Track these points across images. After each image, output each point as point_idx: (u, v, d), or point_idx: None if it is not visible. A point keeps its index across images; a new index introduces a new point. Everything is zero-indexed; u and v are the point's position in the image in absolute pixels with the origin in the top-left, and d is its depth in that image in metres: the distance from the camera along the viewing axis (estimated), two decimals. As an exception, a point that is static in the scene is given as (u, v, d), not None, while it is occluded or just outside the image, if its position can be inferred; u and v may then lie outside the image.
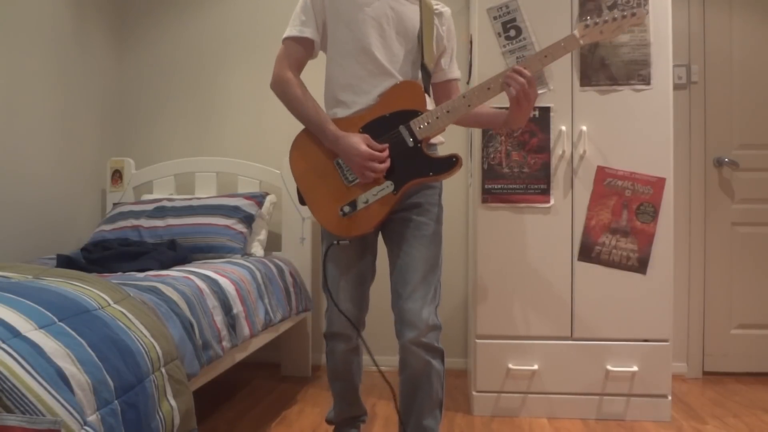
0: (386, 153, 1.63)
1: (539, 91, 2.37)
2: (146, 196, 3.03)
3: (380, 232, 1.80)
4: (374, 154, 1.61)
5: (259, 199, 2.87)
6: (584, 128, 2.38)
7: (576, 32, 1.60)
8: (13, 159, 2.57)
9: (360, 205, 1.65)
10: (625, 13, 1.58)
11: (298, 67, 1.73)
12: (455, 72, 1.86)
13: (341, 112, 1.71)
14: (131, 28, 3.34)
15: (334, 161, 1.68)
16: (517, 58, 2.39)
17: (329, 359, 1.85)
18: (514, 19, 2.39)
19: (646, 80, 2.36)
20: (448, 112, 1.64)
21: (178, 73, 3.30)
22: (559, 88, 2.38)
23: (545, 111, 2.39)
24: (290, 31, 1.72)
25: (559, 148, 2.39)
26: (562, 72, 2.38)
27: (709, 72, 2.98)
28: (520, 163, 2.40)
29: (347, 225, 1.66)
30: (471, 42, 2.60)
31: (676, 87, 2.91)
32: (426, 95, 1.68)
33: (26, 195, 2.64)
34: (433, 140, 1.72)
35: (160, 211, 2.74)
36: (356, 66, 1.69)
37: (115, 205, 2.96)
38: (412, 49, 1.73)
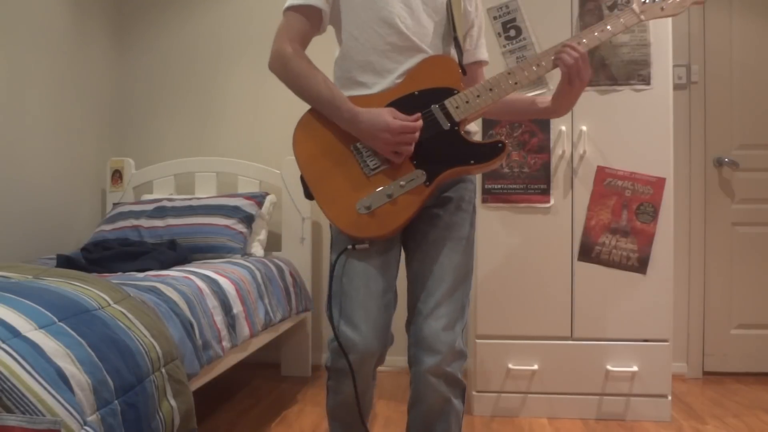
0: (420, 123, 1.32)
1: (539, 91, 2.37)
2: (146, 196, 3.03)
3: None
4: (407, 125, 1.30)
5: (259, 199, 2.87)
6: (584, 128, 2.38)
7: (635, 6, 1.39)
8: (13, 159, 2.57)
9: (383, 200, 1.32)
10: None
11: (302, 42, 1.41)
12: (483, 53, 1.56)
13: (360, 92, 1.41)
14: (131, 28, 3.34)
15: (350, 146, 1.36)
16: (517, 58, 2.39)
17: (332, 396, 1.44)
18: (514, 19, 2.39)
19: (646, 80, 2.36)
20: (490, 90, 1.36)
21: (178, 73, 3.30)
22: (559, 88, 2.38)
23: (545, 111, 2.38)
24: None
25: (559, 148, 2.39)
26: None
27: (709, 72, 2.98)
28: (520, 163, 2.40)
29: (367, 223, 1.32)
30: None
31: (676, 87, 2.91)
32: (462, 72, 1.42)
33: (26, 195, 2.64)
34: (469, 127, 1.43)
35: (160, 211, 2.74)
36: (376, 39, 1.39)
37: (115, 205, 2.96)
38: (441, 20, 1.44)
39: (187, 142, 3.29)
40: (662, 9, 1.40)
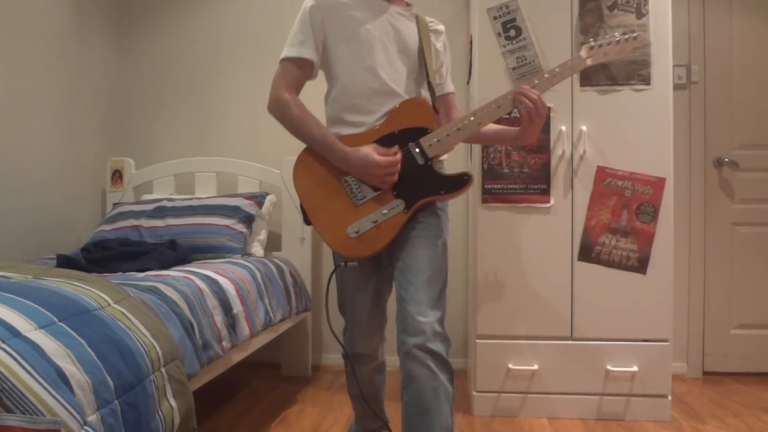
0: (399, 156, 1.59)
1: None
2: (146, 196, 3.03)
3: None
4: (391, 160, 1.57)
5: (259, 199, 2.87)
6: (584, 128, 2.38)
7: (583, 53, 1.65)
8: (13, 159, 2.57)
9: (369, 225, 1.59)
10: (628, 37, 1.65)
11: (297, 89, 1.66)
12: (450, 86, 1.85)
13: (346, 131, 1.65)
14: (131, 28, 3.34)
15: (341, 179, 1.62)
16: (517, 58, 2.39)
17: (351, 379, 1.80)
18: (514, 19, 2.39)
19: (646, 80, 2.36)
20: (458, 129, 1.61)
21: (179, 73, 3.31)
22: (559, 88, 2.38)
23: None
24: (288, 51, 1.64)
25: (559, 148, 2.39)
26: (562, 72, 2.38)
27: (709, 72, 2.98)
28: (520, 163, 2.40)
29: (357, 245, 1.59)
30: (471, 42, 2.60)
31: (676, 87, 2.92)
32: (434, 113, 1.65)
33: (26, 195, 2.64)
34: (441, 156, 1.69)
35: (160, 211, 2.74)
36: (360, 85, 1.63)
37: (115, 205, 2.96)
38: (414, 66, 1.69)
39: (187, 142, 3.29)
40: (606, 54, 1.66)
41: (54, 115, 2.82)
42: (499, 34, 2.41)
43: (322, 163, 1.63)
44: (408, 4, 1.74)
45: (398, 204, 1.59)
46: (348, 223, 1.60)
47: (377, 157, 1.56)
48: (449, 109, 1.84)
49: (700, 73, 2.98)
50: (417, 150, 1.60)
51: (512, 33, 2.39)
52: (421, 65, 1.70)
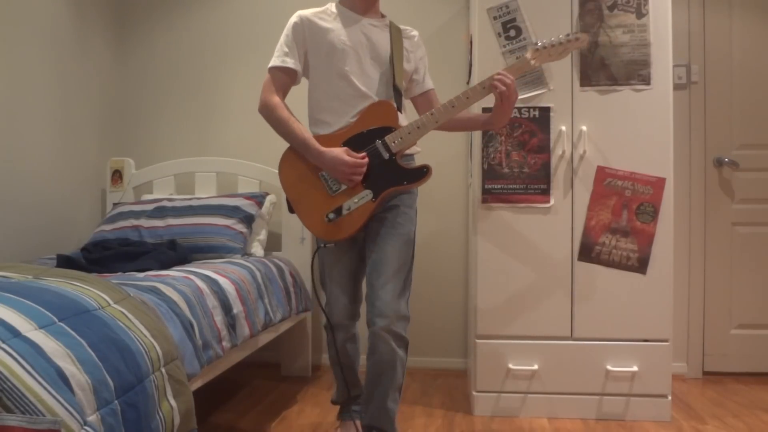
0: (366, 160, 1.84)
1: (539, 91, 2.38)
2: (146, 196, 3.03)
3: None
4: (357, 162, 1.82)
5: (259, 199, 2.87)
6: (584, 128, 2.38)
7: (528, 54, 1.86)
8: (14, 159, 2.57)
9: (344, 212, 1.85)
10: (570, 38, 1.84)
11: (283, 93, 1.94)
12: (429, 84, 2.09)
13: (323, 131, 1.92)
14: (131, 28, 3.34)
15: (319, 174, 1.88)
16: (517, 58, 2.38)
17: (330, 348, 2.06)
18: (514, 19, 2.39)
19: (646, 80, 2.36)
20: (418, 127, 1.86)
21: (178, 73, 3.30)
22: (559, 88, 2.38)
23: (545, 111, 2.39)
24: (275, 61, 1.93)
25: (559, 148, 2.39)
26: (562, 72, 2.38)
27: (709, 72, 2.98)
28: (520, 163, 2.40)
29: (332, 230, 1.86)
30: (471, 42, 2.60)
31: (676, 87, 2.91)
32: (399, 113, 1.89)
33: (26, 195, 2.64)
34: (409, 151, 1.93)
35: (160, 211, 2.74)
36: (336, 90, 1.91)
37: (115, 205, 2.96)
38: (386, 71, 1.94)
39: (187, 142, 3.29)
40: (549, 55, 1.87)
41: (54, 115, 2.82)
42: (499, 34, 2.40)
43: (302, 160, 1.90)
44: (382, 16, 2.00)
45: (367, 194, 1.85)
46: (325, 211, 1.86)
47: (346, 158, 1.82)
48: (431, 104, 2.06)
49: (700, 73, 2.98)
50: (383, 146, 1.86)
51: (512, 33, 2.39)
52: (391, 71, 1.94)
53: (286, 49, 1.92)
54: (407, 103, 2.07)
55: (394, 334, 1.81)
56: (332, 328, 2.01)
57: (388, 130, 1.86)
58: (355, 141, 1.87)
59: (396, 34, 1.97)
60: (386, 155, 1.86)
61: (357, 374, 2.12)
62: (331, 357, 2.10)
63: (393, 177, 1.86)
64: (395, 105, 1.91)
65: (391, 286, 1.82)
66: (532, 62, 1.86)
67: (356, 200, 1.85)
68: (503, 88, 1.80)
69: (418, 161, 1.96)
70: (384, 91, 1.94)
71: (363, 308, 1.96)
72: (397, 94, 1.94)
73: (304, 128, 1.90)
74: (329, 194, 1.87)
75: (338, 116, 1.91)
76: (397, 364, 1.84)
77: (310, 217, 1.88)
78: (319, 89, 1.95)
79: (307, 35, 1.92)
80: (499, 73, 1.82)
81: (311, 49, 1.93)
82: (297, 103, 2.06)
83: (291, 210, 1.93)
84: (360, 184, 1.86)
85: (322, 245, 1.92)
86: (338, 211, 1.85)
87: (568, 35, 1.85)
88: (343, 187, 1.86)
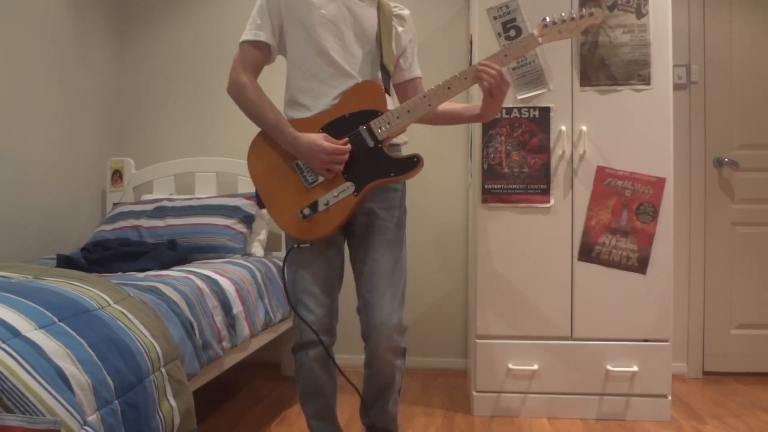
0: (348, 147, 1.61)
1: (539, 91, 2.38)
2: (146, 196, 3.03)
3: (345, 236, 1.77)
4: (338, 148, 1.59)
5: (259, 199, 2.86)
6: (584, 128, 2.38)
7: (535, 31, 1.63)
8: (14, 159, 2.57)
9: (320, 207, 1.62)
10: (583, 13, 1.62)
11: (254, 71, 1.71)
12: (416, 71, 1.85)
13: (300, 114, 1.68)
14: (131, 28, 3.34)
15: (293, 163, 1.65)
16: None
17: (300, 375, 1.72)
18: (514, 19, 2.39)
19: (646, 80, 2.36)
20: (408, 111, 1.62)
21: (179, 73, 3.30)
22: (559, 88, 2.38)
23: (545, 111, 2.39)
24: (246, 35, 1.70)
25: (559, 148, 2.39)
26: (562, 72, 2.38)
27: (709, 72, 2.98)
28: (520, 163, 2.40)
29: (307, 228, 1.62)
30: (471, 42, 2.60)
31: (676, 87, 2.91)
32: (387, 95, 1.67)
33: (26, 195, 2.64)
34: (396, 140, 1.71)
35: (160, 211, 2.74)
36: (315, 69, 1.67)
37: (115, 205, 2.96)
38: (371, 50, 1.72)
39: (187, 142, 3.29)
40: (560, 32, 1.64)
41: (54, 115, 2.82)
42: (499, 34, 2.40)
43: (274, 147, 1.68)
44: None
45: (348, 187, 1.62)
46: (299, 206, 1.63)
47: (325, 144, 1.59)
48: (416, 93, 1.80)
49: (700, 73, 2.98)
50: (367, 133, 1.62)
51: (512, 33, 2.39)
52: (378, 49, 1.72)
53: (259, 21, 1.70)
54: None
55: (394, 349, 1.65)
56: (301, 347, 1.69)
57: (374, 114, 1.62)
58: (336, 126, 1.64)
59: (385, 12, 1.74)
60: (371, 143, 1.62)
61: (335, 413, 1.78)
62: (301, 389, 1.74)
63: (378, 168, 1.62)
64: (383, 86, 1.69)
65: (388, 298, 1.63)
66: (540, 40, 1.62)
67: (335, 194, 1.61)
68: (490, 79, 1.60)
69: (406, 153, 1.71)
70: (369, 72, 1.71)
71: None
72: (385, 74, 1.72)
73: (277, 110, 1.67)
74: (305, 187, 1.64)
75: (317, 98, 1.67)
76: (396, 374, 1.70)
77: (283, 213, 1.65)
78: (295, 67, 1.70)
79: (282, 6, 1.69)
80: (482, 63, 1.62)
81: (287, 21, 1.69)
82: (272, 88, 1.82)
83: (261, 205, 1.71)
84: (340, 175, 1.62)
85: (296, 246, 1.66)
86: (314, 206, 1.62)
87: (581, 10, 1.64)
88: (321, 178, 1.63)
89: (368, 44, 1.71)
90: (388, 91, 1.71)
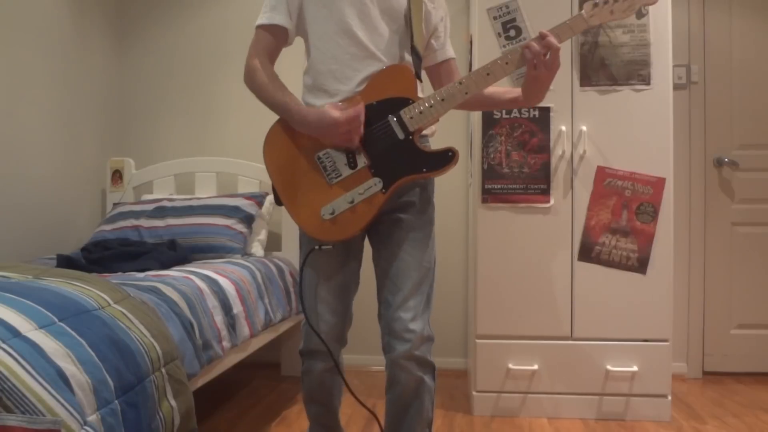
0: (361, 105, 1.44)
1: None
2: (146, 196, 3.03)
3: (366, 235, 1.62)
4: (350, 113, 1.42)
5: (259, 199, 2.87)
6: (584, 128, 2.38)
7: (584, 12, 1.48)
8: (14, 159, 2.57)
9: (345, 206, 1.46)
10: None
11: (269, 56, 1.57)
12: (450, 51, 1.68)
13: (321, 101, 1.52)
14: (131, 28, 3.34)
15: (314, 155, 1.49)
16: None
17: (305, 380, 1.63)
18: (514, 19, 2.39)
19: (646, 80, 2.36)
20: (442, 100, 1.46)
21: (179, 73, 3.30)
22: (559, 88, 2.38)
23: (545, 111, 2.39)
24: (260, 18, 1.57)
25: (559, 148, 2.39)
26: (562, 72, 2.37)
27: (709, 72, 2.98)
28: (520, 163, 2.40)
29: (330, 228, 1.47)
30: (471, 42, 2.60)
31: (676, 87, 2.91)
32: (417, 80, 1.52)
33: (26, 195, 2.64)
34: (426, 131, 1.56)
35: (160, 211, 2.74)
36: (337, 49, 1.51)
37: (115, 205, 2.96)
38: (399, 29, 1.54)
39: (187, 142, 3.29)
40: (611, 12, 1.47)
41: (54, 115, 2.82)
42: (499, 34, 2.40)
43: (293, 138, 1.51)
44: None
45: (376, 183, 1.46)
46: (321, 204, 1.47)
47: (335, 113, 1.42)
48: (451, 76, 1.66)
49: (700, 73, 2.98)
50: (397, 123, 1.46)
51: (512, 33, 2.39)
52: (408, 29, 1.55)
53: (273, 3, 1.55)
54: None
55: (418, 360, 1.47)
56: (310, 355, 1.58)
57: (404, 102, 1.46)
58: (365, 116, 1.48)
59: None
60: (401, 135, 1.46)
61: (338, 417, 1.69)
62: (305, 392, 1.64)
63: (409, 163, 1.45)
64: (413, 71, 1.52)
65: (412, 302, 1.47)
66: (591, 20, 1.47)
67: (361, 191, 1.45)
68: (536, 49, 1.42)
69: (434, 144, 1.57)
70: (398, 53, 1.55)
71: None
72: (416, 58, 1.56)
73: (289, 92, 1.51)
74: (327, 183, 1.47)
75: (340, 82, 1.51)
76: (425, 395, 1.50)
77: (303, 211, 1.48)
78: (316, 49, 1.55)
79: None
80: (544, 35, 1.43)
81: (307, 1, 1.55)
82: (286, 71, 1.73)
83: (279, 202, 1.54)
84: (367, 170, 1.46)
85: (317, 247, 1.50)
86: (338, 205, 1.46)
87: None
88: (345, 173, 1.47)
89: (396, 22, 1.54)
90: (419, 76, 1.56)
